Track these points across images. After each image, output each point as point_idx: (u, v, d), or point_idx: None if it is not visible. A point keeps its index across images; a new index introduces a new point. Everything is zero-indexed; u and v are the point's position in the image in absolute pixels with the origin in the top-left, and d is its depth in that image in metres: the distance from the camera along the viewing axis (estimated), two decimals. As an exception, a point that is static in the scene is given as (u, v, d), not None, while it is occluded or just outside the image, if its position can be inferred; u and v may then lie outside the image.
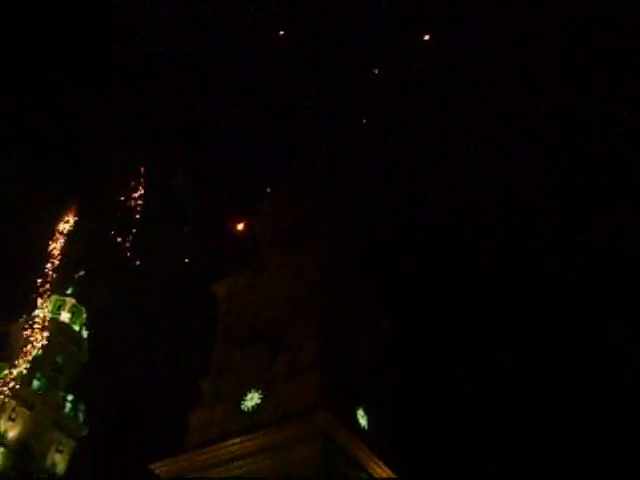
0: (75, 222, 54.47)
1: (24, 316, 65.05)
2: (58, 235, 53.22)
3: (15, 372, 58.87)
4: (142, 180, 46.43)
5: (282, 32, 43.59)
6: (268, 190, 44.40)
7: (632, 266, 52.34)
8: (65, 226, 54.35)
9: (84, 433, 62.40)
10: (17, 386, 57.59)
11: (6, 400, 57.29)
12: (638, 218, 48.59)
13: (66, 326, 66.55)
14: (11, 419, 57.82)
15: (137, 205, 46.41)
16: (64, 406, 62.57)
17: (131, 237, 47.98)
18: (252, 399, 32.83)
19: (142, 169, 46.82)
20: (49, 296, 58.81)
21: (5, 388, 57.62)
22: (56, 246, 51.57)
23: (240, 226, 41.81)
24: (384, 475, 31.93)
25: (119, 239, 49.95)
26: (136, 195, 45.90)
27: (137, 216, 45.95)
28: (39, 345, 60.46)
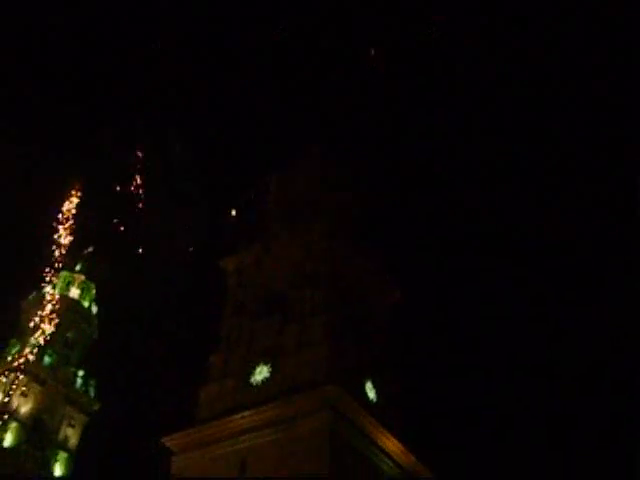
0: (81, 200, 54.63)
1: (34, 293, 65.52)
2: (65, 212, 53.38)
3: (26, 349, 59.46)
4: (142, 155, 46.41)
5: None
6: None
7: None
8: (71, 204, 54.51)
9: (95, 408, 63.04)
10: (30, 361, 58.25)
11: (19, 376, 57.93)
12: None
13: (76, 302, 66.98)
14: (23, 395, 58.39)
15: (138, 183, 46.46)
16: (75, 381, 63.17)
17: (134, 215, 48.16)
18: (261, 372, 32.97)
19: (141, 146, 46.81)
20: (58, 272, 59.19)
21: (16, 364, 58.23)
22: (64, 223, 51.72)
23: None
24: (393, 447, 32.10)
25: (119, 219, 50.20)
26: (137, 175, 45.96)
27: (140, 192, 45.97)
28: (49, 321, 60.99)
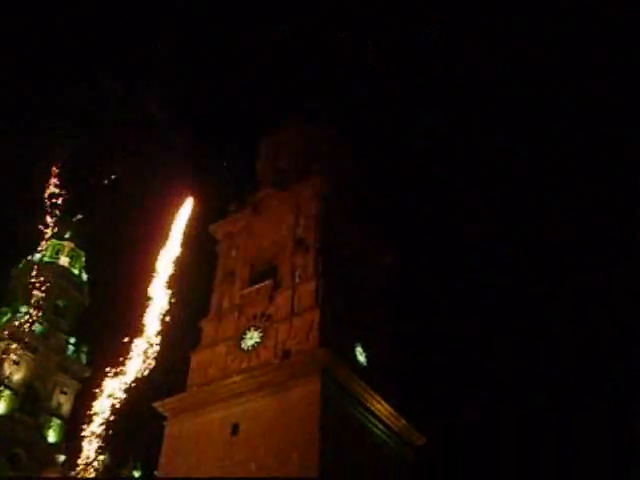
0: (68, 168, 54.21)
1: (23, 261, 65.27)
2: (53, 180, 52.96)
3: (17, 316, 59.39)
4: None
5: None
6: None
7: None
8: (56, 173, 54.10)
9: (87, 374, 63.15)
10: (21, 329, 58.23)
11: (10, 344, 57.96)
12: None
13: (66, 270, 66.77)
14: (15, 363, 58.44)
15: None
16: (67, 349, 63.24)
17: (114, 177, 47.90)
18: (252, 338, 33.03)
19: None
20: (47, 240, 58.94)
21: (7, 332, 58.19)
22: (51, 189, 51.34)
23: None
24: (383, 411, 32.34)
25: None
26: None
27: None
28: (39, 289, 60.87)
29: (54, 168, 53.52)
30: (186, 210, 41.35)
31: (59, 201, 54.31)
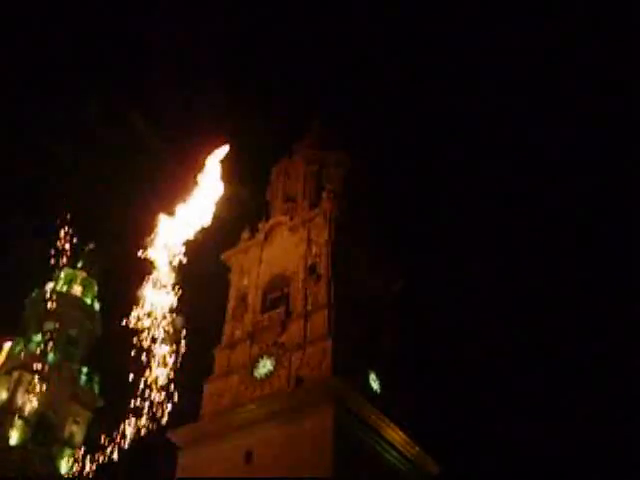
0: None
1: (36, 290, 65.49)
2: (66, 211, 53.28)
3: (30, 346, 59.51)
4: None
5: None
6: None
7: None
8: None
9: (100, 404, 62.99)
10: (33, 359, 58.30)
11: (23, 374, 58.00)
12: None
13: (78, 299, 66.90)
14: (28, 392, 58.40)
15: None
16: (79, 378, 63.16)
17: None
18: (265, 366, 32.98)
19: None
20: (60, 270, 59.19)
21: (21, 362, 58.26)
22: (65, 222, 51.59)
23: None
24: (397, 438, 32.12)
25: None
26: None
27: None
28: (52, 319, 61.01)
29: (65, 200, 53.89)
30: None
31: (71, 230, 54.64)
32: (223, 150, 31.09)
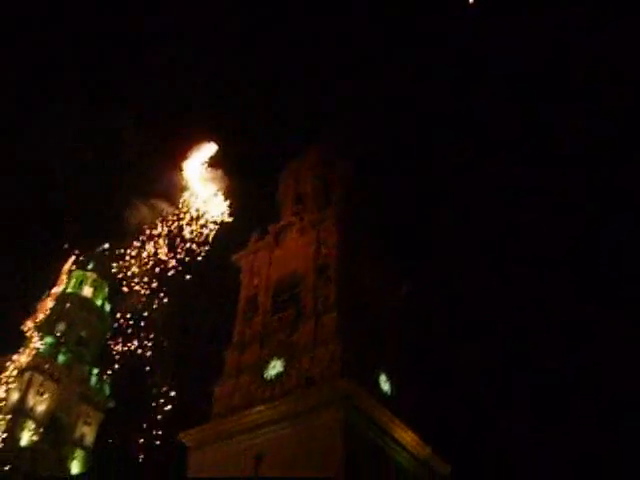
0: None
1: (47, 291, 65.77)
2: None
3: (41, 347, 59.73)
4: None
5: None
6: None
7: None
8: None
9: (111, 405, 63.22)
10: (44, 359, 58.59)
11: (34, 375, 58.28)
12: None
13: (89, 301, 67.18)
14: (39, 393, 58.66)
15: None
16: (90, 379, 63.40)
17: None
18: (275, 367, 33.04)
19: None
20: (71, 271, 59.40)
21: (32, 363, 58.50)
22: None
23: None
24: (408, 439, 32.11)
25: None
26: None
27: None
28: (63, 320, 61.31)
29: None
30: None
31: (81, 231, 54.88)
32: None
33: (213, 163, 30.82)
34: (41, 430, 57.64)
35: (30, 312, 64.59)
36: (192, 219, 30.98)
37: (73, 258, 55.58)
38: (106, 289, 69.65)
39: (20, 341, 61.74)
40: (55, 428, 59.13)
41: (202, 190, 30.92)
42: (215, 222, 30.80)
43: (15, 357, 54.87)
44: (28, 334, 62.47)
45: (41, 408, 58.51)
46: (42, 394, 58.88)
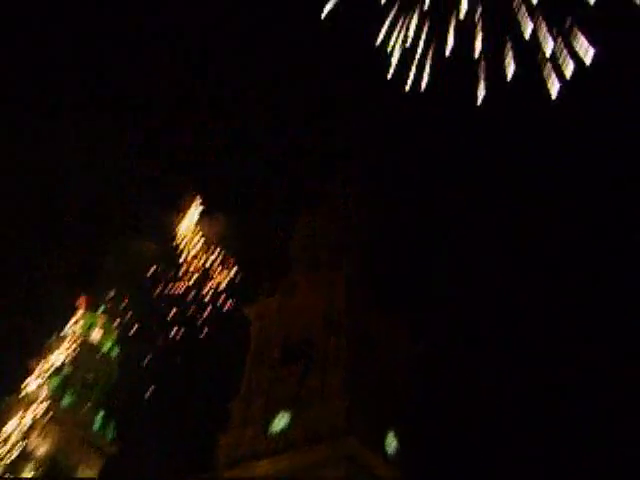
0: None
1: (57, 333, 66.09)
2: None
3: (46, 389, 59.79)
4: None
5: None
6: None
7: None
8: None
9: (113, 450, 62.72)
10: (49, 402, 58.55)
11: (36, 417, 58.14)
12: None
13: (95, 346, 67.25)
14: (41, 436, 58.38)
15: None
16: (93, 423, 63.03)
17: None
18: (281, 421, 33.00)
19: None
20: (81, 315, 59.84)
21: (36, 405, 58.50)
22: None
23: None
24: (412, 499, 31.89)
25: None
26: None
27: None
28: (70, 363, 61.50)
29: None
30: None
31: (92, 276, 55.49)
32: None
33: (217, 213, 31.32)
34: (41, 473, 57.25)
35: (37, 351, 65.01)
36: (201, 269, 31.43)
37: (84, 301, 56.13)
38: (115, 332, 69.79)
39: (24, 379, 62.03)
40: (55, 471, 58.66)
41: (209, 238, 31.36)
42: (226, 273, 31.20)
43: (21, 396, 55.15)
44: (34, 374, 62.77)
45: (42, 450, 58.12)
46: (44, 436, 58.57)
